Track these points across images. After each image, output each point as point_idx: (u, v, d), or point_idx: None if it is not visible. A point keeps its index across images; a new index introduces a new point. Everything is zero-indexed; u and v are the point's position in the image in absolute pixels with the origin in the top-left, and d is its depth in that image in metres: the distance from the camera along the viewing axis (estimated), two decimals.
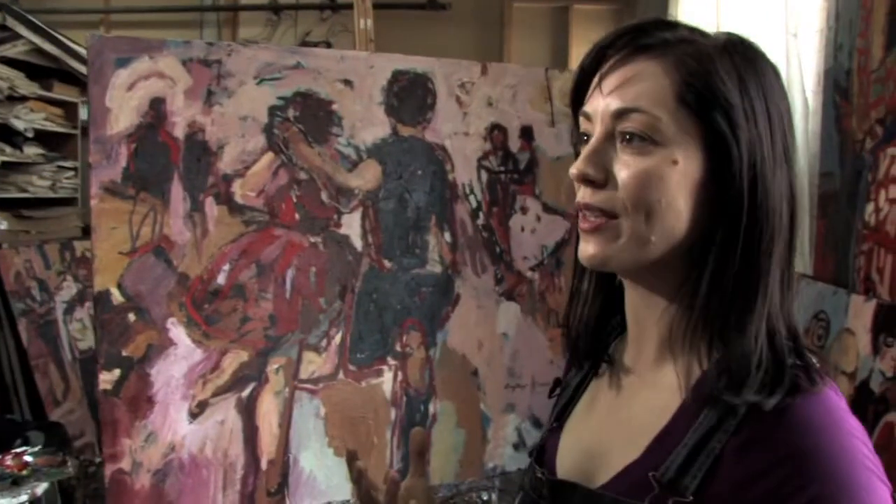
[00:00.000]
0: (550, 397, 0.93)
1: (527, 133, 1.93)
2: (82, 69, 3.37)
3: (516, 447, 1.88)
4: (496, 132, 1.89)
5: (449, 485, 1.75)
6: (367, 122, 1.75)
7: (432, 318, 1.80)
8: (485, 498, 1.87)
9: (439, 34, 4.64)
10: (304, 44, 4.84)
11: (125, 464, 1.49)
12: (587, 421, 0.84)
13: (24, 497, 1.79)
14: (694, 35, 0.74)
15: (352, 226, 1.73)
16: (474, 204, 1.86)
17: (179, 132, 1.57)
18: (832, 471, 0.62)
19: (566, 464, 0.82)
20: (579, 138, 0.77)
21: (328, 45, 4.81)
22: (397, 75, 1.79)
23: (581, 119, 0.77)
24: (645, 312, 0.77)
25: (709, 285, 0.70)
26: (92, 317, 2.74)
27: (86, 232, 3.30)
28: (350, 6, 4.83)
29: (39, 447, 1.82)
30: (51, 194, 3.30)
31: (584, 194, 0.73)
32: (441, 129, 1.83)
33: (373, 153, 1.76)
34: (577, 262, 0.81)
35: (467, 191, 1.85)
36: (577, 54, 4.74)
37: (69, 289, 2.71)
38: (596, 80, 0.75)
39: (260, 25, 4.91)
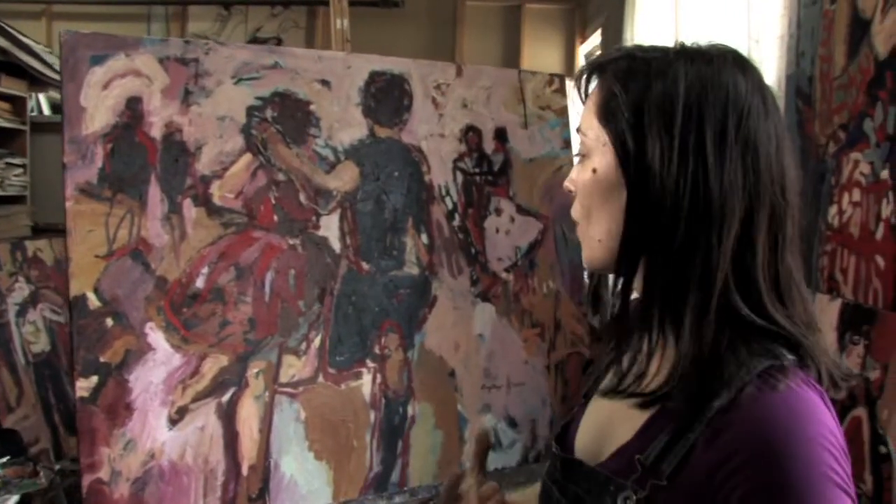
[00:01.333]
0: (584, 375, 1.01)
1: (500, 135, 1.94)
2: (31, 62, 3.26)
3: (493, 447, 1.89)
4: (471, 134, 1.90)
5: (428, 486, 1.75)
6: (344, 124, 1.74)
7: (410, 319, 1.80)
8: None
9: (392, 32, 4.65)
10: (255, 40, 4.79)
11: (103, 473, 1.44)
12: (606, 401, 0.90)
13: None
14: (640, 52, 0.81)
15: (330, 227, 1.71)
16: (450, 205, 1.86)
17: (157, 132, 1.53)
18: (785, 474, 0.66)
19: (582, 440, 0.91)
20: None
21: (279, 42, 4.77)
22: (374, 76, 1.78)
23: None
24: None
25: (651, 282, 0.79)
26: (45, 318, 2.64)
27: (36, 231, 3.19)
28: (300, 3, 4.79)
29: (8, 458, 1.75)
30: None
31: None
32: (417, 130, 1.83)
33: (350, 154, 1.74)
34: None
35: (443, 192, 1.85)
36: (529, 53, 4.80)
37: (21, 290, 2.60)
38: None
39: (209, 20, 4.83)
